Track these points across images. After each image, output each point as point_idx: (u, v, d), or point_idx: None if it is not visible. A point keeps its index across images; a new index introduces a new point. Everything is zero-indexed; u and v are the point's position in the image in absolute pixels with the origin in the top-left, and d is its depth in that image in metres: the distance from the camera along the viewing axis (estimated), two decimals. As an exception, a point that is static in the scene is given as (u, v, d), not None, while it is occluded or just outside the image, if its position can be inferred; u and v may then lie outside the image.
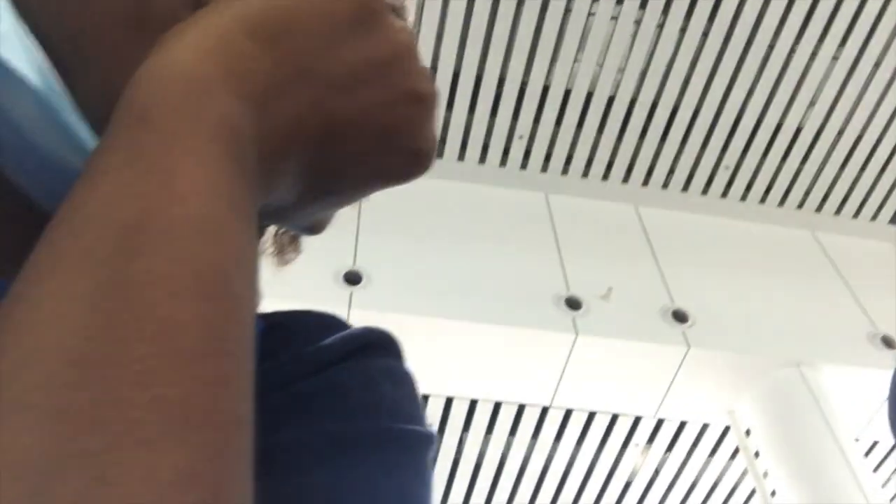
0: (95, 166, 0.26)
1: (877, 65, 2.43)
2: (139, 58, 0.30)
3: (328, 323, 0.42)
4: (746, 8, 2.30)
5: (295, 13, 0.30)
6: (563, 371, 2.17)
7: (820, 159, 2.63)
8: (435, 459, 0.40)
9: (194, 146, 0.26)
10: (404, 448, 0.37)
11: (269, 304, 0.38)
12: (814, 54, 2.40)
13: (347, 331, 0.42)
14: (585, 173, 2.60)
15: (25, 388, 0.21)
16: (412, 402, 0.40)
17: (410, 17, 0.33)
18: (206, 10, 0.30)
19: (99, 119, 0.31)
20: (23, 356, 0.21)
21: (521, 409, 2.35)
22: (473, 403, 2.31)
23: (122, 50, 0.31)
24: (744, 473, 2.59)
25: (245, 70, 0.29)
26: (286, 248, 0.47)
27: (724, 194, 2.69)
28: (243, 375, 0.25)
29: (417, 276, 2.16)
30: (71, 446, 0.20)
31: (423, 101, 0.33)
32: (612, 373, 2.22)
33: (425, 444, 0.38)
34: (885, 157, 2.64)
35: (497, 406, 2.33)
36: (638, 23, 2.32)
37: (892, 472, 2.61)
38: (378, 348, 0.42)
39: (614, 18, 2.30)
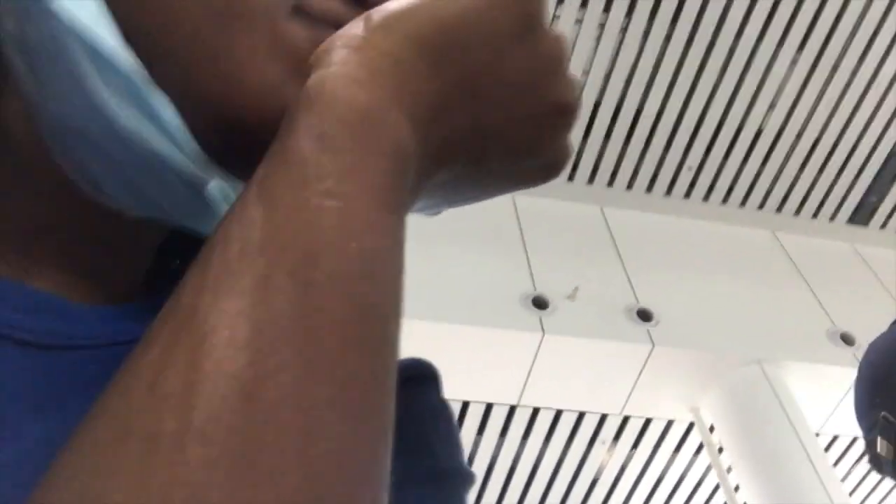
0: (270, 180, 0.25)
1: (834, 68, 2.49)
2: (223, 53, 0.29)
3: None
4: (708, 12, 2.33)
5: (463, 29, 0.29)
6: (531, 370, 2.19)
7: (780, 161, 2.68)
8: None
9: (370, 177, 0.25)
10: (456, 485, 0.38)
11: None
12: (773, 58, 2.44)
13: (399, 361, 0.41)
14: (551, 174, 2.62)
15: (203, 418, 0.20)
16: (459, 440, 0.41)
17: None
18: (374, 22, 0.28)
19: (177, 98, 0.30)
20: (199, 383, 0.21)
21: (488, 408, 2.36)
22: (442, 403, 2.31)
23: (206, 43, 0.30)
24: (708, 469, 2.63)
25: (415, 93, 0.28)
26: None
27: (688, 195, 2.72)
28: (391, 429, 0.24)
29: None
30: (246, 493, 0.19)
31: (569, 112, 0.33)
32: (579, 371, 2.24)
33: (470, 482, 0.39)
34: (843, 159, 2.69)
35: (465, 405, 2.34)
36: (602, 26, 2.34)
37: (852, 466, 2.67)
38: (429, 380, 0.42)
39: (578, 22, 2.33)
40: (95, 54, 0.28)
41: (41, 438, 0.27)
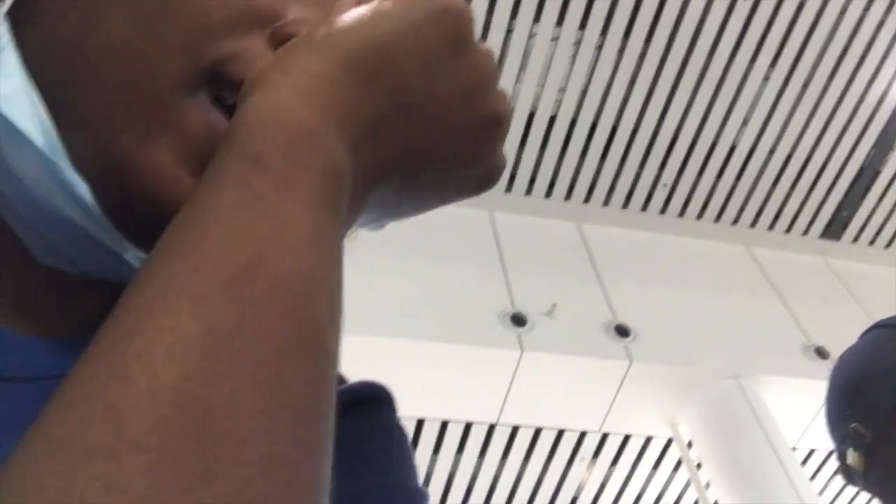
0: (205, 202, 0.25)
1: (805, 86, 2.53)
2: (121, 133, 0.30)
3: None
4: (681, 31, 2.37)
5: (393, 47, 0.29)
6: (510, 388, 2.18)
7: (753, 177, 2.71)
8: None
9: (305, 195, 0.26)
10: None
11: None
12: (745, 76, 2.48)
13: (351, 383, 0.42)
14: (529, 191, 2.63)
15: (140, 430, 0.21)
16: (412, 460, 0.41)
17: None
18: (306, 46, 0.29)
19: (87, 171, 0.30)
20: (136, 395, 0.21)
21: (468, 427, 2.35)
22: (420, 422, 2.30)
23: (109, 122, 0.30)
24: (687, 484, 2.63)
25: (348, 112, 0.28)
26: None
27: (663, 211, 2.75)
28: (331, 437, 0.25)
29: (360, 294, 2.15)
30: (182, 498, 0.20)
31: (502, 123, 0.34)
32: (558, 388, 2.24)
33: (423, 501, 0.39)
34: (815, 174, 2.73)
35: (444, 424, 2.33)
36: (577, 44, 2.36)
37: (829, 480, 2.69)
38: (384, 402, 0.42)
39: (554, 39, 2.35)
40: (11, 130, 0.29)
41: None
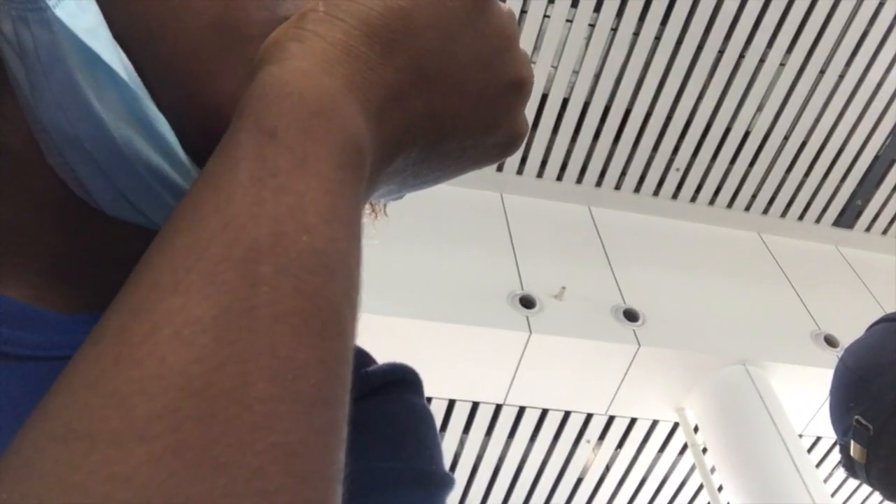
0: (219, 176, 0.24)
1: (821, 72, 2.50)
2: (219, 71, 0.29)
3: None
4: (697, 14, 2.35)
5: (412, 13, 0.28)
6: (517, 369, 2.19)
7: (767, 163, 2.69)
8: None
9: (323, 171, 0.25)
10: (435, 489, 0.38)
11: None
12: (762, 61, 2.46)
13: (381, 365, 0.41)
14: (540, 174, 2.63)
15: (146, 415, 0.20)
16: (438, 444, 0.40)
17: None
18: (322, 12, 0.28)
19: (168, 115, 0.29)
20: (143, 379, 0.20)
21: (474, 406, 2.37)
22: (428, 401, 2.31)
23: (204, 61, 0.30)
24: (692, 469, 2.64)
25: (367, 82, 0.27)
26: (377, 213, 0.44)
27: (675, 196, 2.74)
28: (345, 422, 0.24)
29: (371, 274, 2.15)
30: (190, 489, 0.19)
31: (524, 87, 0.32)
32: (565, 370, 2.24)
33: (449, 486, 0.38)
34: (829, 162, 2.71)
35: (451, 404, 2.35)
36: (592, 26, 2.35)
37: (834, 467, 2.69)
38: (410, 385, 0.42)
39: (569, 21, 2.33)
40: (94, 65, 0.28)
41: None
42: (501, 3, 0.32)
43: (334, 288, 0.24)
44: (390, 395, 0.39)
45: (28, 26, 0.28)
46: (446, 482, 0.38)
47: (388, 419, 0.38)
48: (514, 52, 0.32)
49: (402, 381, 0.41)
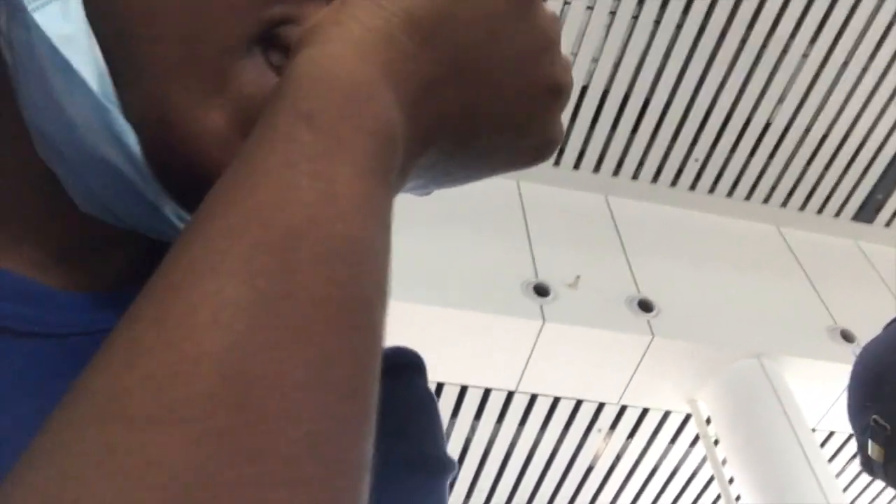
0: (254, 159, 0.24)
1: (845, 64, 2.47)
2: (174, 94, 0.29)
3: None
4: (720, 4, 2.32)
5: (456, 7, 0.28)
6: (530, 357, 2.19)
7: (787, 156, 2.67)
8: None
9: (357, 158, 0.25)
10: (437, 473, 0.38)
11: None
12: (784, 51, 2.43)
13: (386, 348, 0.41)
14: (557, 162, 2.62)
15: (182, 400, 0.20)
16: (441, 429, 0.41)
17: None
18: (366, 1, 0.27)
19: (136, 124, 0.30)
20: (179, 363, 0.20)
21: (486, 393, 2.37)
22: (440, 387, 2.32)
23: (163, 82, 0.30)
24: (703, 460, 2.64)
25: (404, 71, 0.27)
26: None
27: (693, 187, 2.72)
28: (374, 411, 0.24)
29: (388, 259, 2.15)
30: (226, 474, 0.19)
31: (562, 92, 0.32)
32: (578, 359, 2.24)
33: (451, 470, 0.39)
34: (850, 155, 2.68)
35: (463, 389, 2.35)
36: (613, 13, 2.33)
37: (847, 462, 2.68)
38: (414, 369, 0.42)
39: (590, 8, 2.32)
40: (68, 72, 0.28)
41: (30, 413, 0.26)
42: (546, 6, 0.32)
43: (366, 278, 0.24)
44: (395, 379, 0.39)
45: (15, 23, 0.28)
46: (449, 467, 0.38)
47: (393, 403, 0.38)
48: (555, 56, 0.31)
49: (407, 364, 0.41)
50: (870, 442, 0.92)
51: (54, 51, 0.28)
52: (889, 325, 1.00)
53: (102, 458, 0.19)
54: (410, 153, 0.28)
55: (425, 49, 0.28)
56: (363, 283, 0.24)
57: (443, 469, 0.38)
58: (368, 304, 0.24)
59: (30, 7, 0.27)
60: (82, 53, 0.28)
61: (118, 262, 0.36)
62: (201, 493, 0.19)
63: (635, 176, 2.68)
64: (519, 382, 2.30)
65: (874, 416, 0.91)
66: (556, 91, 0.32)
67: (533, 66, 0.31)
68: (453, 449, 2.59)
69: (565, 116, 2.55)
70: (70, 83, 0.28)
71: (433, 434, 0.39)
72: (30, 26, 0.27)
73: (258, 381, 0.20)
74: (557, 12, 2.30)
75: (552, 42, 0.31)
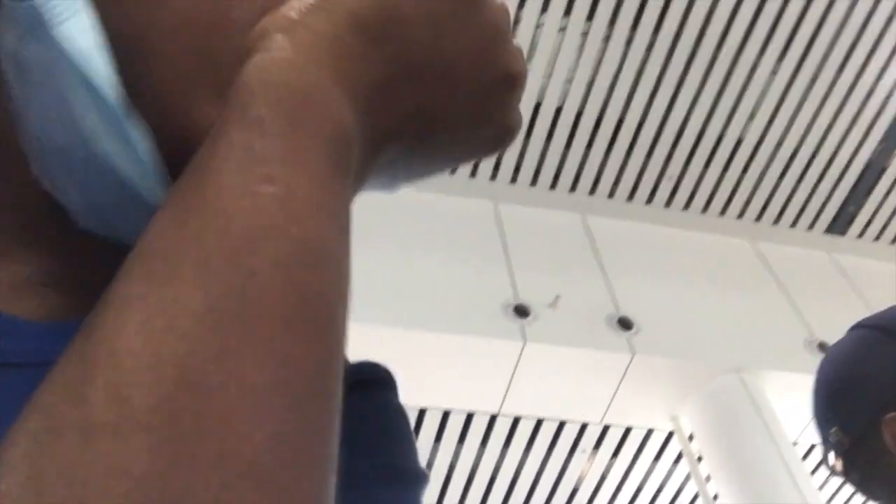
0: (206, 165, 0.24)
1: (813, 79, 2.51)
2: (195, 99, 0.29)
3: None
4: (689, 23, 2.36)
5: (402, 4, 0.28)
6: (512, 378, 2.18)
7: (759, 171, 2.70)
8: None
9: (311, 162, 0.25)
10: (411, 485, 0.37)
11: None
12: (753, 69, 2.47)
13: (353, 363, 0.41)
14: (534, 182, 2.63)
15: (142, 408, 0.20)
16: (412, 441, 0.40)
17: None
18: (312, 5, 0.27)
19: (153, 137, 0.30)
20: (137, 369, 0.20)
21: (469, 416, 2.36)
22: (422, 412, 2.31)
23: (184, 86, 0.30)
24: (687, 478, 2.63)
25: (356, 73, 0.27)
26: None
27: (668, 204, 2.74)
28: (338, 413, 0.24)
29: (366, 284, 2.15)
30: (189, 480, 0.19)
31: (517, 81, 0.32)
32: (560, 380, 2.24)
33: (424, 482, 0.38)
34: (821, 169, 2.72)
35: (446, 414, 2.34)
36: (585, 35, 2.35)
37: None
38: (384, 383, 0.42)
39: (562, 30, 2.34)
40: (88, 84, 0.28)
41: None
42: None
43: (324, 279, 0.24)
44: (364, 394, 0.39)
45: (31, 39, 0.28)
46: (421, 478, 0.38)
47: (362, 417, 0.38)
48: (507, 46, 0.31)
49: (376, 379, 0.41)
50: (830, 453, 0.93)
51: (75, 65, 0.28)
52: (851, 330, 1.00)
53: (63, 469, 0.19)
54: (366, 154, 0.28)
55: (374, 49, 0.28)
56: (321, 284, 0.24)
57: (415, 480, 0.38)
58: (328, 306, 0.24)
59: (53, 22, 0.27)
60: (100, 66, 0.28)
61: (95, 289, 0.36)
62: (163, 499, 0.19)
63: (611, 194, 2.69)
64: (502, 405, 2.29)
65: (833, 430, 0.92)
66: (510, 81, 0.32)
67: (485, 58, 0.31)
68: (437, 475, 2.57)
69: (540, 137, 2.58)
70: (88, 97, 0.28)
71: (403, 446, 0.39)
72: (50, 41, 0.28)
73: (218, 385, 0.20)
74: (529, 35, 2.32)
75: (502, 33, 0.31)
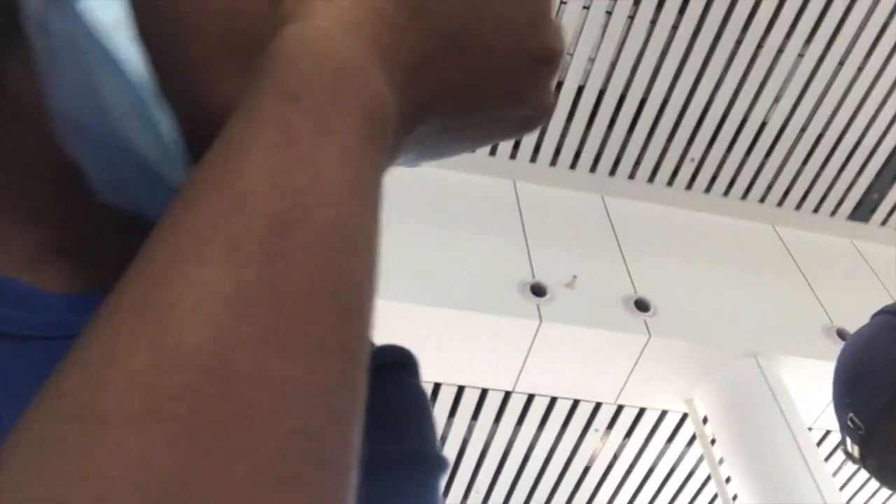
0: (239, 140, 0.23)
1: (840, 63, 2.48)
2: (224, 81, 0.28)
3: None
4: (716, 4, 2.32)
5: None
6: (527, 357, 2.19)
7: (783, 155, 2.68)
8: None
9: (346, 140, 0.24)
10: (430, 471, 0.37)
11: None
12: (780, 51, 2.43)
13: (377, 346, 0.40)
14: (553, 162, 2.62)
15: (164, 396, 0.19)
16: (433, 426, 0.40)
17: None
18: None
19: (178, 112, 0.29)
20: (158, 356, 0.19)
21: (483, 393, 2.37)
22: (437, 387, 2.32)
23: (214, 68, 0.29)
24: (700, 460, 2.64)
25: (393, 45, 0.26)
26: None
27: (689, 186, 2.72)
28: (362, 405, 0.23)
29: (383, 260, 2.15)
30: (208, 474, 0.18)
31: (554, 59, 0.31)
32: (575, 359, 2.24)
33: (444, 468, 0.38)
34: (845, 155, 2.69)
35: (460, 390, 2.35)
36: (609, 14, 2.33)
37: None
38: (407, 366, 0.41)
39: (586, 8, 2.32)
40: (110, 59, 0.27)
41: (11, 424, 0.26)
42: None
43: (355, 264, 0.23)
44: (387, 378, 0.39)
45: (55, 8, 0.28)
46: (442, 465, 0.38)
47: (385, 401, 0.37)
48: (547, 23, 0.31)
49: (399, 362, 0.41)
50: (847, 438, 0.93)
51: (99, 39, 0.27)
52: (874, 316, 1.00)
53: (80, 457, 0.18)
54: (401, 130, 0.27)
55: (414, 22, 0.27)
56: (352, 270, 0.23)
57: (435, 467, 0.37)
58: (358, 292, 0.23)
59: None
60: (125, 40, 0.27)
61: (114, 260, 0.36)
62: (183, 494, 0.18)
63: (632, 175, 2.68)
64: (516, 382, 2.30)
65: (850, 415, 0.92)
66: (548, 59, 0.31)
67: (524, 35, 0.30)
68: (450, 449, 2.60)
69: (561, 116, 2.56)
70: (112, 71, 0.27)
71: (425, 432, 0.39)
72: (74, 13, 0.26)
73: (242, 375, 0.19)
74: (554, 12, 2.30)
75: (542, 10, 0.31)
